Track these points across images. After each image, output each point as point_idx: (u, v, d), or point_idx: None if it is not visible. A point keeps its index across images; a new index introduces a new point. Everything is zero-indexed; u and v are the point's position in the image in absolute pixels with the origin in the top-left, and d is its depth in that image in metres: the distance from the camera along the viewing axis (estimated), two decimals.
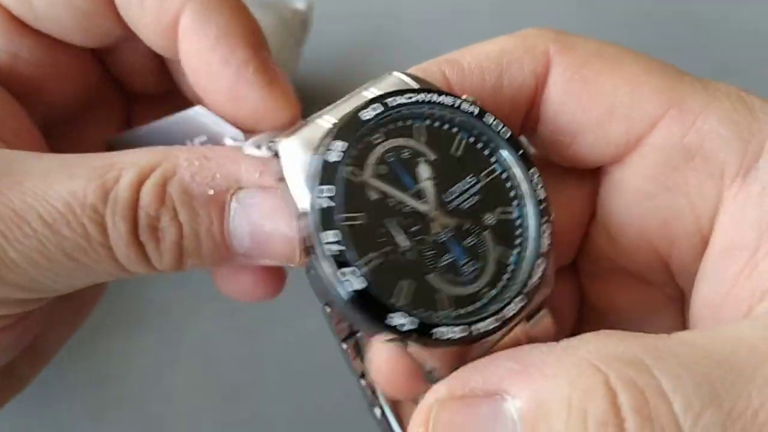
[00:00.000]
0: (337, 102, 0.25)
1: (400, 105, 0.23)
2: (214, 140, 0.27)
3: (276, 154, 0.23)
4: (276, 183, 0.24)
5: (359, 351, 0.26)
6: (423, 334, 0.22)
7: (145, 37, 0.28)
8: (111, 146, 0.31)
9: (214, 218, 0.24)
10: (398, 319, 0.21)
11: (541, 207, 0.24)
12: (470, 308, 0.23)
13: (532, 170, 0.25)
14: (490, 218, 0.24)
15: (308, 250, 0.22)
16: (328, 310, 0.24)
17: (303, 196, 0.22)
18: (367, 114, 0.23)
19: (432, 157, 0.24)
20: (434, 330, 0.22)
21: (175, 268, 0.25)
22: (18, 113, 0.29)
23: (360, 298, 0.21)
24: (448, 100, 0.24)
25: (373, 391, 0.26)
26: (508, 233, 0.24)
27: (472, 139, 0.25)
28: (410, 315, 0.22)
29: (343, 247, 0.21)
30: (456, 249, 0.24)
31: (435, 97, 0.23)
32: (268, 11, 0.54)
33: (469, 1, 0.63)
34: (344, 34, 0.62)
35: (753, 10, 0.66)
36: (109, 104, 0.34)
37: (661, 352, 0.20)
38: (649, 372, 0.19)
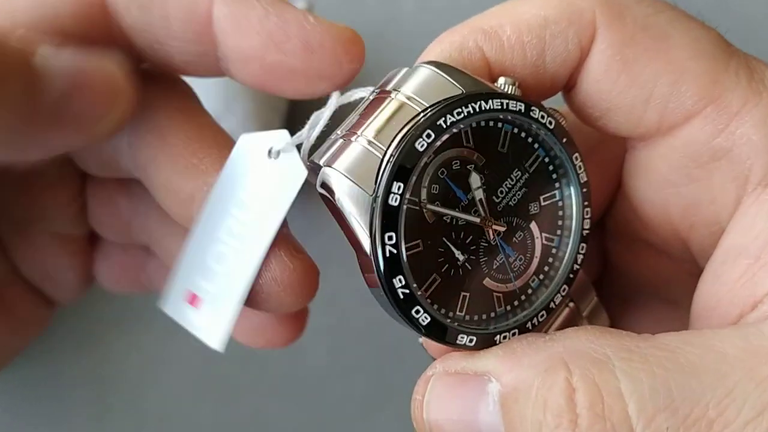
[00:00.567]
0: (372, 106, 0.24)
1: (451, 125, 0.23)
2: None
3: (323, 185, 0.23)
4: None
5: None
6: (485, 344, 0.24)
7: (169, 45, 0.26)
8: None
9: (23, 60, 0.22)
10: (463, 339, 0.23)
11: (584, 191, 0.25)
12: (522, 298, 0.25)
13: (575, 155, 0.25)
14: (534, 207, 0.25)
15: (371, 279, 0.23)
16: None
17: (366, 238, 0.22)
18: (422, 144, 0.22)
19: (481, 161, 0.24)
20: (496, 340, 0.24)
21: None
22: None
23: (430, 329, 0.23)
24: (495, 103, 0.23)
25: None
26: (551, 219, 0.25)
27: (516, 130, 0.25)
28: (471, 333, 0.23)
29: (407, 290, 0.22)
30: (507, 248, 0.24)
31: (483, 105, 0.23)
32: None
33: (470, 2, 0.63)
34: None
35: (753, 1, 0.66)
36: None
37: (631, 354, 0.20)
38: (613, 373, 0.20)
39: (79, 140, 0.25)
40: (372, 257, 0.22)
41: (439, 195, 0.23)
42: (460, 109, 0.22)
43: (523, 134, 0.25)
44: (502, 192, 0.24)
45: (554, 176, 0.25)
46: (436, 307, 0.23)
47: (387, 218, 0.22)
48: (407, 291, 0.22)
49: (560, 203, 0.25)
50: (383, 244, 0.22)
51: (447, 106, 0.23)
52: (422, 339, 0.26)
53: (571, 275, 0.25)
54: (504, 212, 0.24)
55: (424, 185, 0.23)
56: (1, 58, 0.22)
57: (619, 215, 0.28)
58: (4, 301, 0.30)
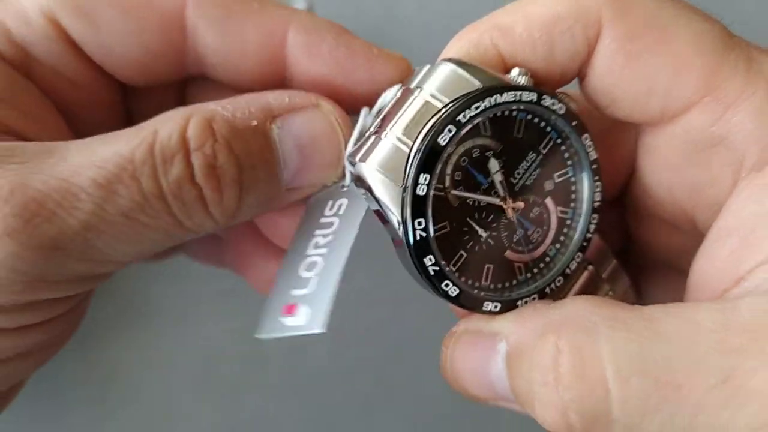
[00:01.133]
0: (398, 103, 0.26)
1: (470, 119, 0.25)
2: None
3: (359, 179, 0.26)
4: (310, 100, 0.26)
5: None
6: (508, 309, 0.27)
7: (245, 68, 0.28)
8: None
9: (265, 147, 0.26)
10: (489, 306, 0.26)
11: (593, 167, 0.27)
12: (541, 266, 0.28)
13: (585, 135, 0.27)
14: (549, 184, 0.28)
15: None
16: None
17: (398, 224, 0.25)
18: (444, 138, 0.25)
19: (498, 147, 0.26)
20: (518, 304, 0.27)
21: (233, 210, 0.26)
22: (59, 121, 0.29)
23: (458, 299, 0.26)
24: (509, 96, 0.25)
25: None
26: (565, 193, 0.28)
27: (529, 116, 0.27)
28: (495, 300, 0.26)
29: (437, 267, 0.25)
30: (525, 223, 0.27)
31: (498, 98, 0.25)
32: None
33: (470, 2, 0.63)
34: None
35: (754, 2, 0.66)
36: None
37: (617, 322, 0.23)
38: (596, 339, 0.23)
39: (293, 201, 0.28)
40: (404, 241, 0.25)
41: (461, 180, 0.26)
42: (478, 104, 0.25)
43: (536, 120, 0.27)
44: (518, 173, 0.27)
45: (566, 155, 0.27)
46: (463, 279, 0.26)
47: (416, 206, 0.25)
48: (437, 268, 0.25)
49: (573, 179, 0.28)
50: (414, 229, 0.25)
51: (466, 101, 0.25)
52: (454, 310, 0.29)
53: (585, 243, 0.28)
54: (521, 191, 0.27)
55: (447, 173, 0.26)
56: (247, 144, 0.25)
57: (633, 193, 0.30)
58: (81, 303, 0.31)
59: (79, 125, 0.29)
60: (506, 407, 0.26)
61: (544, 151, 0.27)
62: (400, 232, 0.25)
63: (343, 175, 0.27)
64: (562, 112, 0.26)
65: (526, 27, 0.26)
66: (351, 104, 0.28)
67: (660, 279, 0.33)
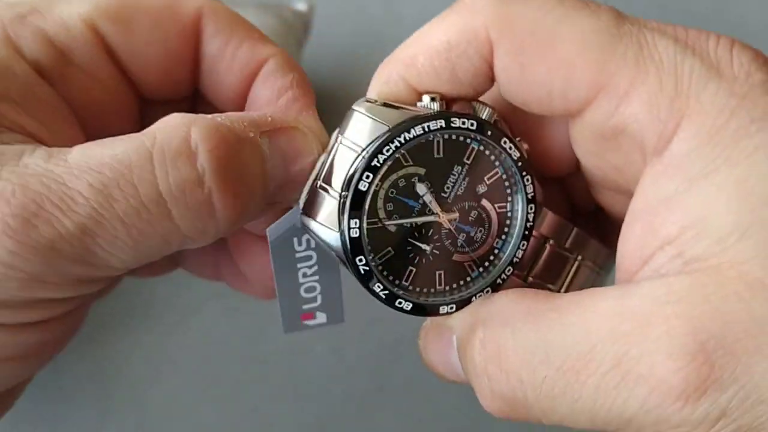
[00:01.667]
0: (329, 154, 0.28)
1: (384, 160, 0.27)
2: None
3: (306, 229, 0.29)
4: (291, 120, 0.29)
5: None
6: (463, 306, 0.29)
7: (223, 81, 0.31)
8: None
9: (260, 157, 0.27)
10: (444, 309, 0.29)
11: (519, 164, 0.29)
12: (491, 258, 0.30)
13: (503, 139, 0.28)
14: (482, 187, 0.29)
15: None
16: None
17: (344, 264, 0.28)
18: (364, 185, 0.27)
19: (422, 171, 0.28)
20: (472, 300, 0.29)
21: (236, 217, 0.26)
22: (73, 125, 0.29)
23: (416, 311, 0.29)
24: (417, 130, 0.27)
25: None
26: (499, 190, 0.29)
27: (446, 136, 0.28)
28: (450, 303, 0.29)
29: (387, 291, 0.28)
30: (465, 227, 0.29)
31: (407, 135, 0.27)
32: (269, 13, 0.55)
33: None
34: (345, 35, 0.63)
35: (748, 5, 0.66)
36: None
37: (530, 316, 0.26)
38: (512, 333, 0.26)
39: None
40: (353, 275, 0.28)
41: (394, 210, 0.28)
42: (388, 146, 0.27)
43: (453, 137, 0.28)
44: (448, 187, 0.29)
45: (492, 157, 0.29)
46: (418, 289, 0.29)
47: (354, 246, 0.27)
48: (387, 292, 0.28)
49: (503, 176, 0.29)
50: (356, 266, 0.28)
51: (377, 147, 0.27)
52: None
53: (526, 232, 0.30)
54: (454, 201, 0.29)
55: (379, 208, 0.28)
56: (247, 154, 0.26)
57: (582, 167, 0.31)
58: (81, 306, 0.31)
59: (98, 135, 0.30)
60: None
61: (469, 161, 0.29)
62: (348, 270, 0.28)
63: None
64: (474, 127, 0.28)
65: (426, 57, 0.28)
66: None
67: None
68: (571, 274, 0.32)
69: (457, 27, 0.27)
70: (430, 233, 0.29)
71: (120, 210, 0.24)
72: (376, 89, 0.29)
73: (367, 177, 0.27)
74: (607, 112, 0.26)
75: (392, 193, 0.28)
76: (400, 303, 0.28)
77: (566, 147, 0.30)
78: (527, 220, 0.29)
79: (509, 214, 0.30)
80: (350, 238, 0.27)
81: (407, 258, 0.29)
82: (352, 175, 0.27)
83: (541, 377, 0.24)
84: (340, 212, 0.27)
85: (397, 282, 0.29)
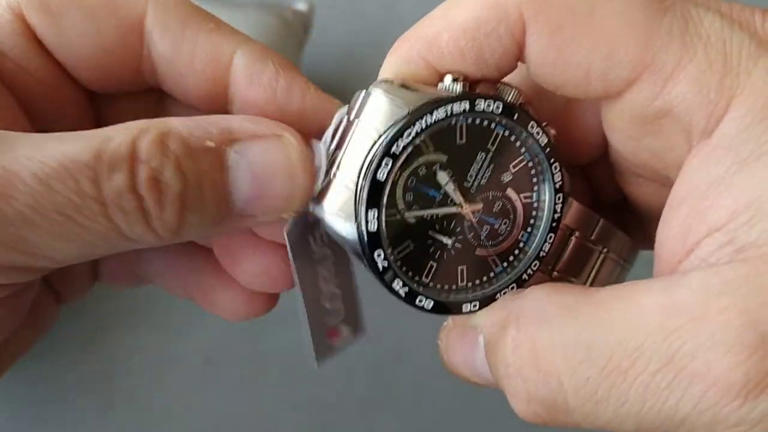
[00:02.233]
0: (343, 140, 0.27)
1: (405, 147, 0.25)
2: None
3: (318, 220, 0.27)
4: (274, 130, 0.27)
5: None
6: (487, 304, 0.28)
7: (188, 84, 0.29)
8: None
9: (217, 168, 0.25)
10: (467, 306, 0.27)
11: (547, 150, 0.27)
12: (516, 252, 0.28)
13: (531, 123, 0.27)
14: (507, 176, 0.28)
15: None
16: None
17: (360, 260, 0.26)
18: (383, 173, 0.25)
19: (444, 158, 0.26)
20: (497, 297, 0.28)
21: (175, 226, 0.25)
22: (18, 115, 0.29)
23: (437, 309, 0.27)
24: (440, 113, 0.25)
25: None
26: (525, 179, 0.28)
27: (469, 121, 0.27)
28: (473, 300, 0.27)
29: (407, 288, 0.26)
30: (489, 219, 0.28)
31: (429, 119, 0.25)
32: (269, 12, 0.55)
33: None
34: (345, 34, 0.63)
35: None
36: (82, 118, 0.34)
37: (568, 311, 0.24)
38: (549, 330, 0.24)
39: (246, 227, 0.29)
40: (370, 271, 0.26)
41: (414, 200, 0.26)
42: (408, 131, 0.25)
43: (477, 121, 0.27)
44: (471, 176, 0.27)
45: (518, 144, 0.27)
46: (439, 286, 0.27)
47: (371, 239, 0.25)
48: (406, 289, 0.26)
49: (530, 163, 0.28)
50: (374, 261, 0.26)
51: (397, 131, 0.25)
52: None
53: (554, 224, 0.28)
54: (478, 191, 0.27)
55: (398, 197, 0.26)
56: (197, 164, 0.25)
57: (611, 156, 0.30)
58: (20, 294, 0.31)
59: (46, 126, 0.30)
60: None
61: (493, 148, 0.27)
62: (364, 266, 0.26)
63: (305, 207, 0.28)
64: (499, 111, 0.26)
65: (451, 36, 0.26)
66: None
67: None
68: (596, 267, 0.30)
69: (487, 3, 0.26)
70: (451, 226, 0.27)
71: (60, 202, 0.24)
72: (393, 68, 0.27)
73: (386, 164, 0.25)
74: (652, 93, 0.25)
75: (412, 182, 0.26)
76: (420, 301, 0.26)
77: (593, 133, 0.29)
78: (555, 212, 0.28)
79: (535, 205, 0.28)
80: (368, 231, 0.25)
81: (428, 252, 0.27)
82: (370, 163, 0.25)
83: (584, 379, 0.23)
84: (357, 203, 0.26)
85: (416, 278, 0.27)
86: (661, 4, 0.25)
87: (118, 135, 0.25)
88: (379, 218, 0.25)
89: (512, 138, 0.27)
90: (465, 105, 0.26)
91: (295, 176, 0.26)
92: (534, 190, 0.28)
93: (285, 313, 0.50)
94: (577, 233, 0.29)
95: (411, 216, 0.26)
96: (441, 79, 0.27)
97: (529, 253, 0.28)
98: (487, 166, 0.27)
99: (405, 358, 0.52)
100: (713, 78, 0.24)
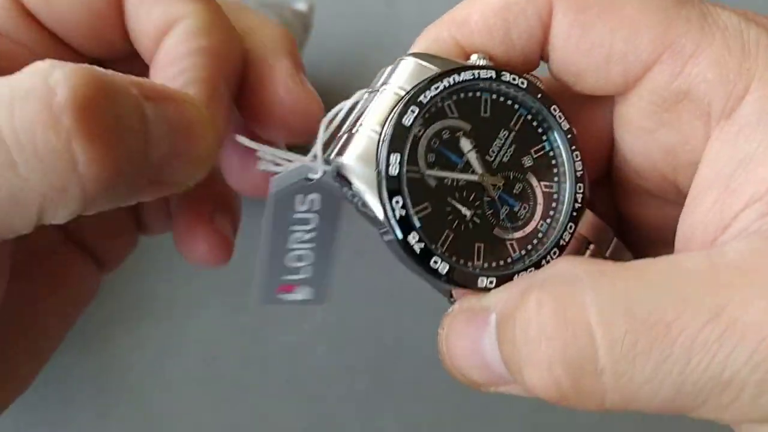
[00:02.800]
0: (366, 101, 0.27)
1: (432, 98, 0.26)
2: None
3: (338, 172, 0.26)
4: (182, 96, 0.25)
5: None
6: (504, 282, 0.26)
7: (140, 44, 0.29)
8: None
9: (141, 115, 0.23)
10: (483, 281, 0.26)
11: (569, 137, 0.28)
12: (534, 242, 0.28)
13: (553, 107, 0.27)
14: (528, 160, 0.28)
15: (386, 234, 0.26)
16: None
17: (378, 208, 0.26)
18: (408, 119, 0.25)
19: (467, 127, 0.27)
20: (513, 278, 0.26)
21: (104, 171, 0.22)
22: None
23: (450, 276, 0.26)
24: (467, 75, 0.26)
25: None
26: (545, 168, 0.28)
27: (494, 96, 0.27)
28: (491, 277, 0.26)
29: (423, 244, 0.25)
30: (509, 200, 0.27)
31: (456, 77, 0.26)
32: (269, 13, 0.55)
33: None
34: (345, 35, 0.63)
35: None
36: None
37: (601, 273, 0.22)
38: (579, 288, 0.22)
39: (164, 193, 0.27)
40: (386, 223, 0.25)
41: (436, 162, 0.26)
42: (437, 84, 0.26)
43: (501, 98, 0.27)
44: (493, 151, 0.27)
45: (540, 130, 0.28)
46: (454, 258, 0.26)
47: (391, 185, 0.25)
48: (422, 245, 0.25)
49: (551, 153, 0.28)
50: (393, 209, 0.25)
51: (425, 83, 0.26)
52: (454, 292, 0.28)
53: (575, 213, 0.28)
54: (499, 168, 0.27)
55: (420, 156, 0.26)
56: (125, 104, 0.23)
57: (616, 168, 0.30)
58: (55, 268, 0.31)
59: None
60: (504, 391, 0.26)
61: (516, 128, 0.28)
62: (381, 215, 0.26)
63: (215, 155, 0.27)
64: (524, 86, 0.27)
65: (481, 16, 0.27)
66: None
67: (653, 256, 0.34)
68: None
69: None
70: (471, 197, 0.27)
71: None
72: (422, 47, 0.28)
73: (413, 112, 0.25)
74: (671, 74, 0.25)
75: (435, 143, 0.26)
76: (435, 263, 0.26)
77: (599, 148, 0.30)
78: (575, 201, 0.28)
79: (555, 196, 0.28)
80: (388, 174, 0.25)
81: (445, 219, 0.26)
82: (395, 110, 0.26)
83: (621, 332, 0.21)
84: (380, 148, 0.26)
85: (432, 246, 0.26)
86: None
87: (21, 73, 0.22)
88: (401, 164, 0.25)
89: (534, 123, 0.28)
90: (492, 73, 0.27)
91: (210, 137, 0.26)
92: (554, 181, 0.28)
93: (285, 314, 0.50)
94: (592, 246, 0.29)
95: (431, 176, 0.26)
96: (467, 58, 0.27)
97: (548, 243, 0.28)
98: (509, 145, 0.27)
99: (405, 358, 0.52)
100: (732, 61, 0.24)
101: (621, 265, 0.23)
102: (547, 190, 0.28)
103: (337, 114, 0.27)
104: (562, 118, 0.28)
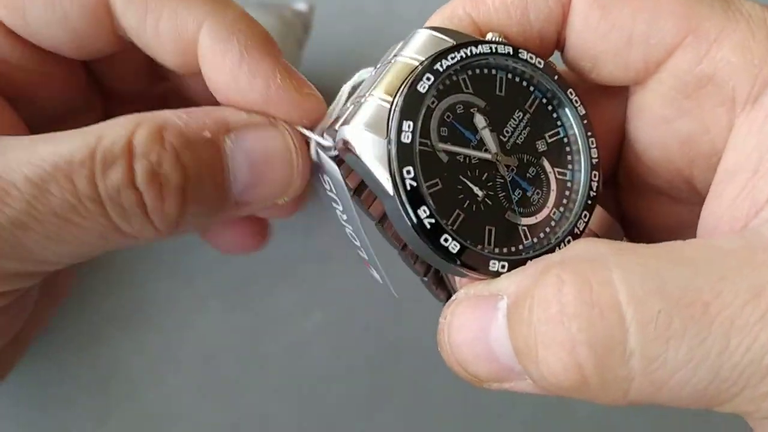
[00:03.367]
0: (377, 73, 0.26)
1: (447, 68, 0.25)
2: None
3: (343, 142, 0.25)
4: (267, 119, 0.26)
5: (441, 281, 0.29)
6: (517, 266, 0.25)
7: (160, 57, 0.28)
8: None
9: (215, 159, 0.25)
10: (495, 264, 0.25)
11: (584, 122, 0.27)
12: (547, 230, 0.27)
13: (569, 90, 0.27)
14: (542, 145, 0.27)
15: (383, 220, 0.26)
16: (404, 253, 0.27)
17: (387, 180, 0.24)
18: (423, 86, 0.24)
19: (482, 104, 0.26)
20: (528, 262, 0.25)
21: (175, 219, 0.25)
22: (5, 110, 0.29)
23: (461, 256, 0.24)
24: (484, 48, 0.25)
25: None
26: (560, 154, 0.27)
27: (510, 76, 0.27)
28: (503, 261, 0.25)
29: (433, 219, 0.24)
30: (522, 183, 0.26)
31: (473, 49, 0.25)
32: (269, 12, 0.55)
33: None
34: (345, 34, 0.63)
35: None
36: (91, 104, 0.34)
37: (627, 251, 0.21)
38: (605, 265, 0.20)
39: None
40: (395, 196, 0.24)
41: (448, 137, 0.25)
42: (453, 54, 0.25)
43: (517, 79, 0.27)
44: (507, 131, 0.26)
45: (554, 114, 0.27)
46: (465, 240, 0.25)
47: (402, 154, 0.24)
48: (433, 220, 0.24)
49: (565, 139, 0.27)
50: (403, 179, 0.24)
51: (442, 53, 0.25)
52: (427, 278, 0.28)
53: (590, 201, 0.27)
54: (513, 150, 0.26)
55: (432, 129, 0.25)
56: (196, 155, 0.25)
57: (627, 166, 0.30)
58: (20, 299, 0.31)
59: (44, 115, 0.30)
60: (509, 388, 0.24)
61: (531, 110, 0.27)
62: (390, 188, 0.24)
63: (298, 192, 0.27)
64: (541, 66, 0.26)
65: None
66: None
67: None
68: None
69: None
70: (484, 177, 0.26)
71: (56, 204, 0.23)
72: (437, 23, 0.27)
73: (428, 79, 0.24)
74: (696, 58, 0.25)
75: (448, 117, 0.25)
76: (446, 241, 0.24)
77: (614, 137, 0.29)
78: (590, 188, 0.27)
79: (569, 185, 0.27)
80: (400, 141, 0.24)
81: (456, 198, 0.25)
82: (410, 77, 0.24)
83: (654, 311, 0.19)
84: (391, 115, 0.24)
85: (443, 221, 0.24)
86: None
87: (112, 131, 0.24)
88: (413, 132, 0.24)
89: (549, 108, 0.27)
90: (509, 49, 0.26)
91: (291, 161, 0.26)
92: (568, 168, 0.27)
93: (286, 312, 0.50)
94: None
95: (443, 150, 0.25)
96: (483, 37, 0.27)
97: (561, 230, 0.26)
98: (524, 128, 0.26)
99: (405, 358, 0.52)
100: (757, 47, 0.24)
101: (648, 245, 0.21)
102: (561, 177, 0.27)
103: (341, 95, 0.27)
104: (578, 103, 0.27)
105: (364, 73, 0.27)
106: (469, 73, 0.26)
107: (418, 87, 0.24)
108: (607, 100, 0.29)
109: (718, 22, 0.24)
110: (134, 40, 0.29)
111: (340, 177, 0.26)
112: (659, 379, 0.19)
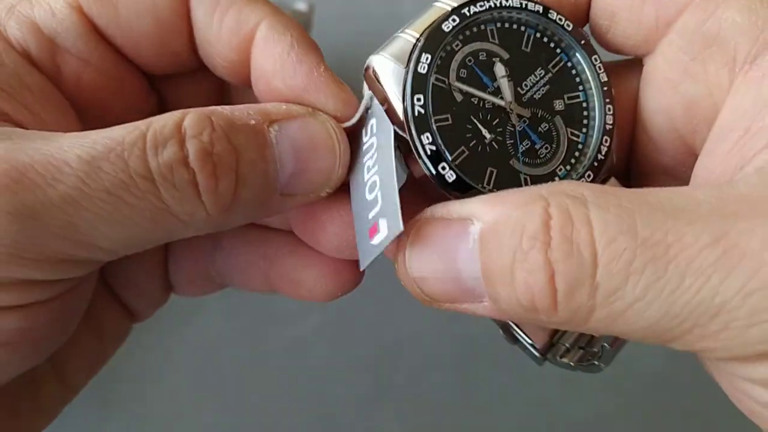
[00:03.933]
0: (414, 18, 0.28)
1: (475, 13, 0.26)
2: None
3: (370, 69, 0.27)
4: (307, 110, 0.27)
5: None
6: None
7: (216, 52, 0.29)
8: None
9: (262, 144, 0.26)
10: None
11: (604, 89, 0.28)
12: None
13: (594, 56, 0.28)
14: (559, 104, 0.28)
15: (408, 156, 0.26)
16: None
17: (399, 104, 0.26)
18: (448, 26, 0.26)
19: (505, 56, 0.27)
20: None
21: (227, 202, 0.25)
22: (70, 122, 0.29)
23: (458, 186, 0.25)
24: (515, 2, 0.27)
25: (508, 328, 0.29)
26: (576, 116, 0.28)
27: (538, 35, 0.28)
28: None
29: (434, 147, 0.25)
30: (532, 135, 0.27)
31: (503, 2, 0.27)
32: None
33: None
34: (345, 35, 0.63)
35: None
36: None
37: (606, 193, 0.22)
38: (585, 205, 0.22)
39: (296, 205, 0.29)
40: (404, 120, 0.26)
41: (466, 79, 0.27)
42: (483, 3, 0.26)
43: (545, 39, 0.28)
44: (526, 85, 0.27)
45: (577, 79, 0.28)
46: (465, 177, 0.26)
47: (416, 82, 0.25)
48: (434, 148, 0.25)
49: (584, 103, 0.28)
50: (413, 105, 0.25)
51: (472, 0, 0.26)
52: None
53: (596, 163, 0.28)
54: (529, 103, 0.27)
55: (452, 69, 0.26)
56: (246, 138, 0.25)
57: (637, 150, 0.30)
58: (92, 311, 0.31)
59: (98, 120, 0.30)
60: (461, 310, 0.25)
61: (554, 70, 0.28)
62: (401, 111, 0.26)
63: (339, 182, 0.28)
64: (569, 28, 0.27)
65: None
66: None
67: None
68: None
69: None
70: (494, 122, 0.27)
71: (108, 182, 0.23)
72: None
73: (453, 20, 0.26)
74: (703, 17, 0.26)
75: (470, 61, 0.27)
76: (444, 169, 0.25)
77: (627, 127, 0.30)
78: (599, 151, 0.28)
79: (580, 147, 0.28)
80: (416, 70, 0.25)
81: (464, 136, 0.26)
82: (437, 17, 0.26)
83: (621, 249, 0.20)
84: (413, 49, 0.26)
85: (444, 152, 0.26)
86: None
87: (161, 118, 0.25)
88: (430, 65, 0.26)
89: (573, 71, 0.28)
90: (539, 7, 0.27)
91: (334, 149, 0.27)
92: (582, 132, 0.28)
93: (285, 313, 0.50)
94: None
95: (458, 89, 0.26)
96: None
97: None
98: (544, 85, 0.28)
99: (405, 357, 0.52)
100: (764, 9, 0.25)
101: (629, 189, 0.22)
102: (573, 138, 0.28)
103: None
104: (602, 69, 0.28)
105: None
106: (498, 25, 0.27)
107: (443, 26, 0.26)
108: (622, 77, 0.30)
109: None
110: (197, 35, 0.30)
111: (389, 124, 0.27)
112: (616, 310, 0.21)
